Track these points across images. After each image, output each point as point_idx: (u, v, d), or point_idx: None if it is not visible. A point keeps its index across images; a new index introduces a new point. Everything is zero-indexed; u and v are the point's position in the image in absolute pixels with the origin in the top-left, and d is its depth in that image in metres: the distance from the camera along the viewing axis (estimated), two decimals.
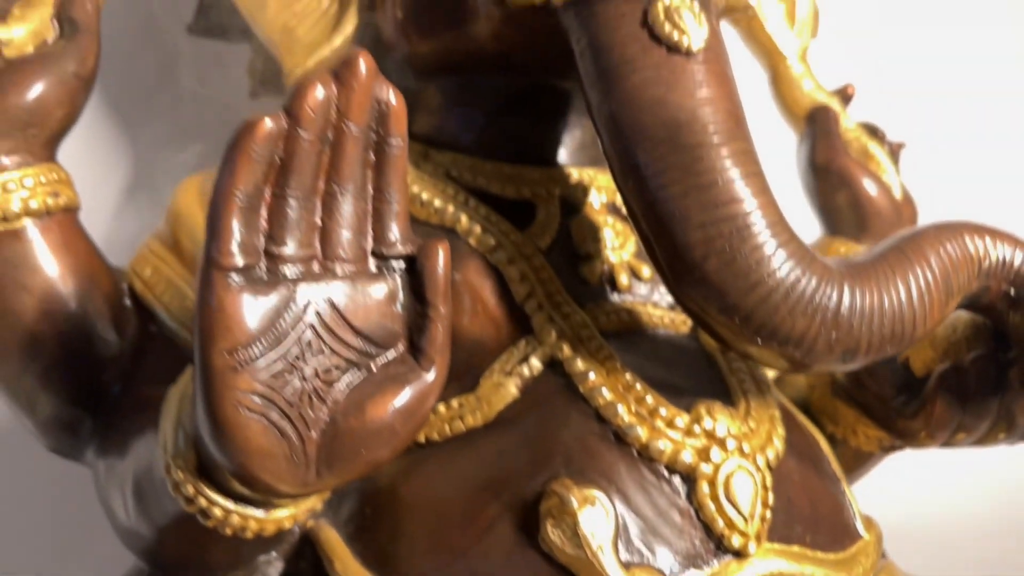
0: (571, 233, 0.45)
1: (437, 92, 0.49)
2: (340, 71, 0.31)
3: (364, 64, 0.31)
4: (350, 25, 0.51)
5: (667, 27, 0.36)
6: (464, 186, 0.46)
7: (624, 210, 0.47)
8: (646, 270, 0.45)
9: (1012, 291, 0.38)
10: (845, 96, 0.64)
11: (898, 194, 0.60)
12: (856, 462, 0.51)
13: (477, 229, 0.43)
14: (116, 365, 0.43)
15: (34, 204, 0.41)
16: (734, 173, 0.35)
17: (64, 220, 0.43)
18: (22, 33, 0.44)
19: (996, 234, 0.38)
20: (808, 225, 0.58)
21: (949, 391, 0.41)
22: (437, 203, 0.44)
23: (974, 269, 0.38)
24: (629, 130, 0.36)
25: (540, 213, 0.46)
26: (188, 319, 0.43)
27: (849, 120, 0.62)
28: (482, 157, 0.47)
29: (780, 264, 0.34)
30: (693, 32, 0.36)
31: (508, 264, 0.42)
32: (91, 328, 0.42)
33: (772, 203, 0.35)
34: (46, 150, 0.43)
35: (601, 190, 0.48)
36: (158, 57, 0.62)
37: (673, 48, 0.36)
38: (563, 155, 0.49)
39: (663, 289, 0.45)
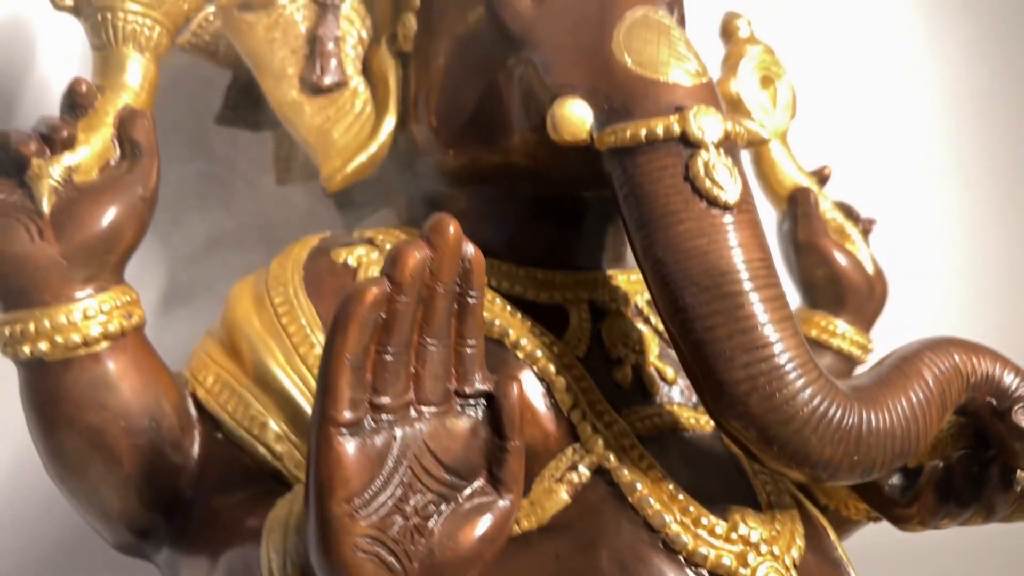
0: (603, 339, 0.50)
1: (469, 198, 0.52)
2: (432, 237, 0.35)
3: (453, 229, 0.35)
4: (385, 131, 0.54)
5: (707, 183, 0.41)
6: (502, 293, 0.50)
7: (645, 312, 0.52)
8: (669, 371, 0.50)
9: (995, 402, 0.44)
10: (822, 177, 0.69)
11: (870, 270, 0.66)
12: (843, 528, 0.57)
13: (524, 342, 0.47)
14: (187, 472, 0.46)
15: (112, 328, 0.44)
16: (769, 318, 0.40)
17: (135, 338, 0.45)
18: (86, 155, 0.46)
19: (980, 351, 0.44)
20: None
21: (938, 485, 0.47)
22: (485, 316, 0.48)
23: (963, 384, 0.43)
24: (676, 276, 0.41)
25: (572, 318, 0.50)
26: (252, 426, 0.46)
27: (826, 201, 0.68)
28: (514, 262, 0.51)
29: (810, 400, 0.40)
30: (729, 188, 0.41)
31: (555, 375, 0.46)
32: (163, 439, 0.45)
33: (801, 344, 0.40)
34: (116, 273, 0.45)
35: (624, 292, 0.52)
36: (201, 157, 0.64)
37: (712, 202, 0.41)
38: (586, 258, 0.53)
39: (684, 386, 0.50)
